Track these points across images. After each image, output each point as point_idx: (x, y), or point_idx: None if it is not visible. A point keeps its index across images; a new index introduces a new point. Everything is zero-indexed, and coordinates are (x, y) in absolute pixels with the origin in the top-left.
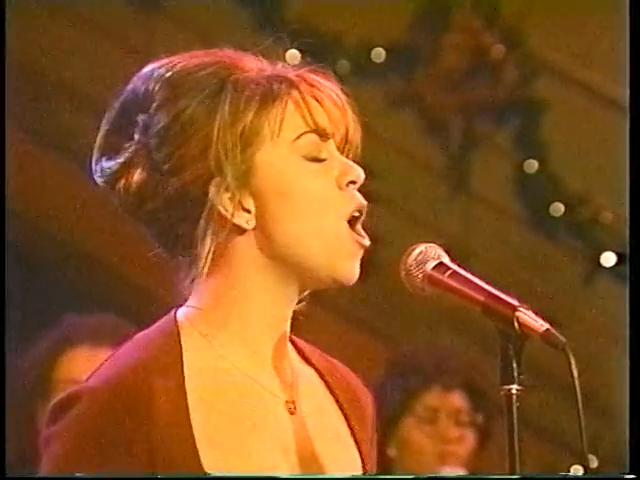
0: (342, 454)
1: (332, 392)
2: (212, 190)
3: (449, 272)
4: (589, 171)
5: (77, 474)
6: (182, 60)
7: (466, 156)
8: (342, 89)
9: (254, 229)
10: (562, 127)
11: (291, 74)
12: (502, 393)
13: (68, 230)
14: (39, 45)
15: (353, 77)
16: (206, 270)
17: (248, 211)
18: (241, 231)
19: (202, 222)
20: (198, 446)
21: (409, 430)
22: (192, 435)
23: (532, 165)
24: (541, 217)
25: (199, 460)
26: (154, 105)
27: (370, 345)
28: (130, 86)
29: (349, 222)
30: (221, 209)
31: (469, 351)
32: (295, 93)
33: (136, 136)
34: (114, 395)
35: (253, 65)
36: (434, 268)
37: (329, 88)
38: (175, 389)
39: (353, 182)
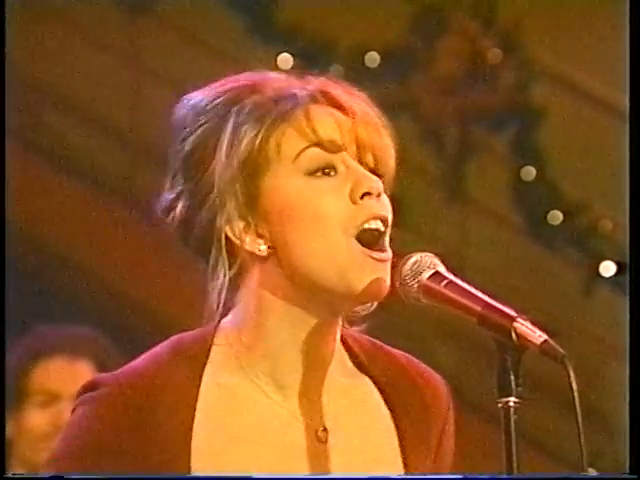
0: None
1: (388, 403)
2: (218, 220)
3: (445, 282)
4: (588, 178)
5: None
6: (211, 88)
7: (462, 163)
8: (353, 93)
9: (272, 254)
10: (560, 133)
11: (300, 90)
12: (500, 406)
13: (52, 238)
14: (38, 57)
15: (347, 82)
16: (221, 305)
17: (262, 236)
18: (260, 257)
19: (213, 252)
20: (192, 461)
21: None
22: (189, 451)
23: (529, 172)
24: (539, 225)
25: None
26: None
27: None
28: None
29: (361, 236)
30: (232, 237)
31: (461, 361)
32: (299, 110)
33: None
34: (122, 394)
35: (276, 85)
36: (430, 278)
37: (337, 97)
38: (184, 404)
39: (368, 194)
